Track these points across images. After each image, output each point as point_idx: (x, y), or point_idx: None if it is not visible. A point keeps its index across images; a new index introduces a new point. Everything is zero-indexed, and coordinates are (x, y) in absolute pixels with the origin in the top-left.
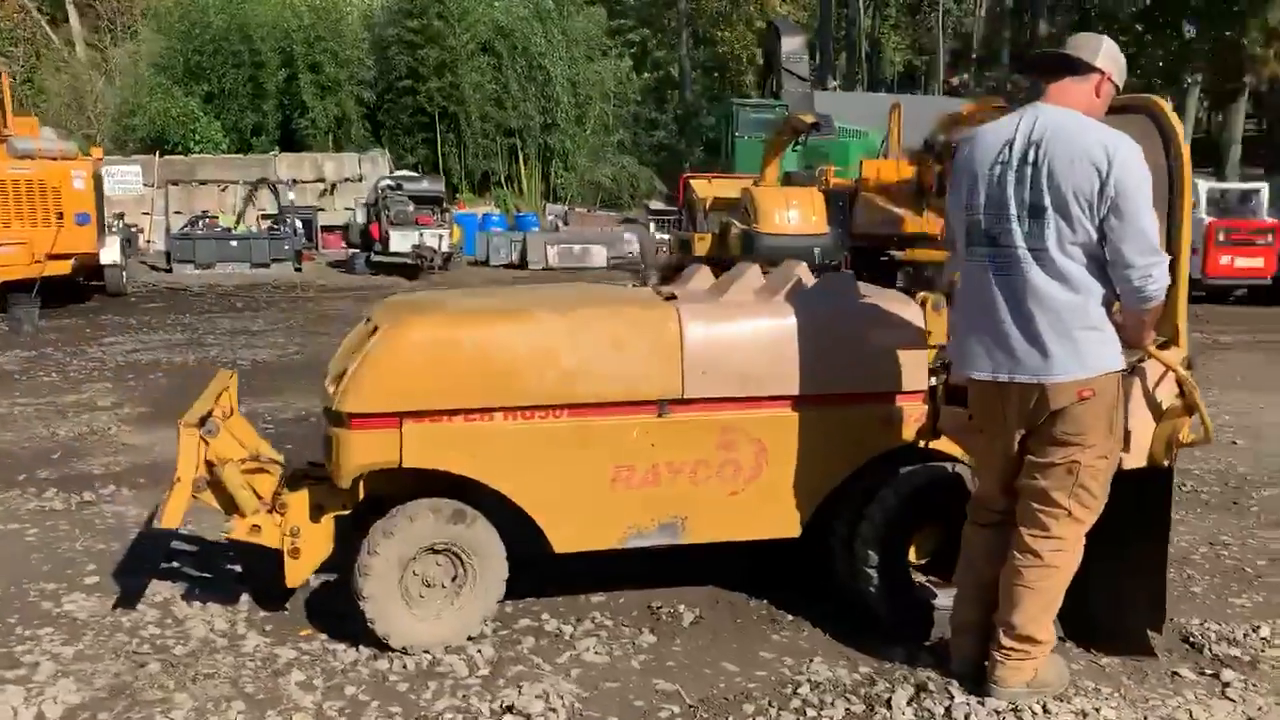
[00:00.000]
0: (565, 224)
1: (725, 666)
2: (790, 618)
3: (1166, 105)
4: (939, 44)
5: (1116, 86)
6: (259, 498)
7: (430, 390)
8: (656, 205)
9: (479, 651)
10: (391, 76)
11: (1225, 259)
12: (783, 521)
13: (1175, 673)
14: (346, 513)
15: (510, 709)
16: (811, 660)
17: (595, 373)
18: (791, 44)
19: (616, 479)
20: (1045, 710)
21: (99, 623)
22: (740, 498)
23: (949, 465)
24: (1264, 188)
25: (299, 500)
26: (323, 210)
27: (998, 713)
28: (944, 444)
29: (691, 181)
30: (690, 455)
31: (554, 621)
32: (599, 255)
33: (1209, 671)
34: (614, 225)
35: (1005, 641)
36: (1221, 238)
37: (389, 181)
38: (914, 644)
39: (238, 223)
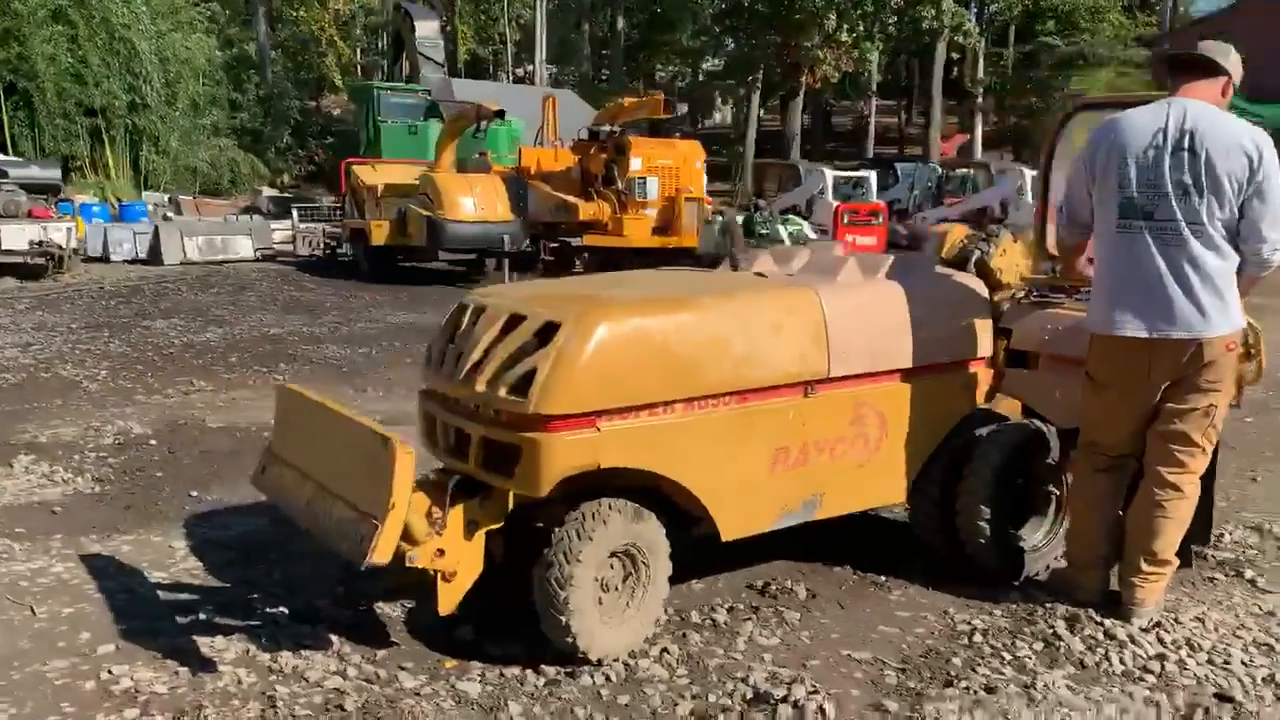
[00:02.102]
0: (179, 213)
1: (882, 629)
2: (886, 579)
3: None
4: (507, 36)
5: (1236, 89)
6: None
7: (626, 385)
8: (270, 192)
9: (664, 652)
10: None
11: (850, 238)
12: (895, 489)
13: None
14: (499, 527)
15: (760, 697)
16: (948, 612)
17: (760, 358)
18: (426, 28)
19: (775, 461)
20: (1176, 620)
21: (212, 700)
22: (865, 469)
23: (1032, 422)
24: (873, 175)
25: (455, 518)
26: None
27: (1144, 630)
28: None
29: (354, 168)
30: (831, 432)
31: (695, 614)
32: (245, 246)
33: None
34: (231, 213)
35: (1146, 567)
36: (846, 219)
37: None
38: (1010, 586)
39: None
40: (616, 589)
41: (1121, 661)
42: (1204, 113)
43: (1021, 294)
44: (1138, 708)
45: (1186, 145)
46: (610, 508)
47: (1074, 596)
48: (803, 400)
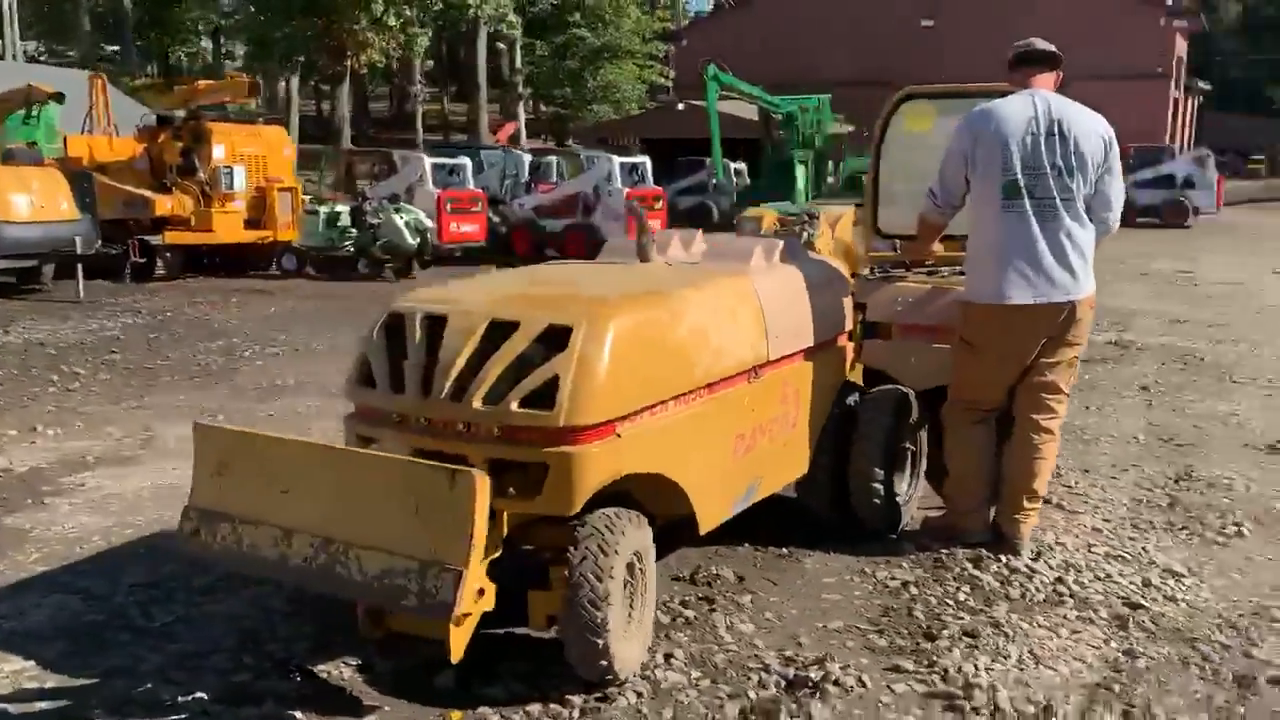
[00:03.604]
0: None
1: (827, 598)
2: (787, 551)
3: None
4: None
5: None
6: None
7: (637, 387)
8: None
9: (668, 658)
10: None
11: (454, 226)
12: (803, 463)
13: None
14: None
15: (795, 681)
16: (866, 571)
17: (725, 347)
18: None
19: (735, 449)
20: (1050, 547)
21: None
22: (788, 447)
23: (897, 387)
24: (467, 161)
25: None
26: None
27: (1033, 559)
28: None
29: None
30: (769, 414)
31: (659, 614)
32: None
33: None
34: None
35: (1027, 504)
36: (449, 207)
37: None
38: (890, 536)
39: None
40: (629, 601)
41: (1038, 589)
42: (1064, 103)
43: (866, 270)
44: (1082, 626)
45: (1057, 131)
46: (621, 517)
47: (964, 539)
48: (750, 385)
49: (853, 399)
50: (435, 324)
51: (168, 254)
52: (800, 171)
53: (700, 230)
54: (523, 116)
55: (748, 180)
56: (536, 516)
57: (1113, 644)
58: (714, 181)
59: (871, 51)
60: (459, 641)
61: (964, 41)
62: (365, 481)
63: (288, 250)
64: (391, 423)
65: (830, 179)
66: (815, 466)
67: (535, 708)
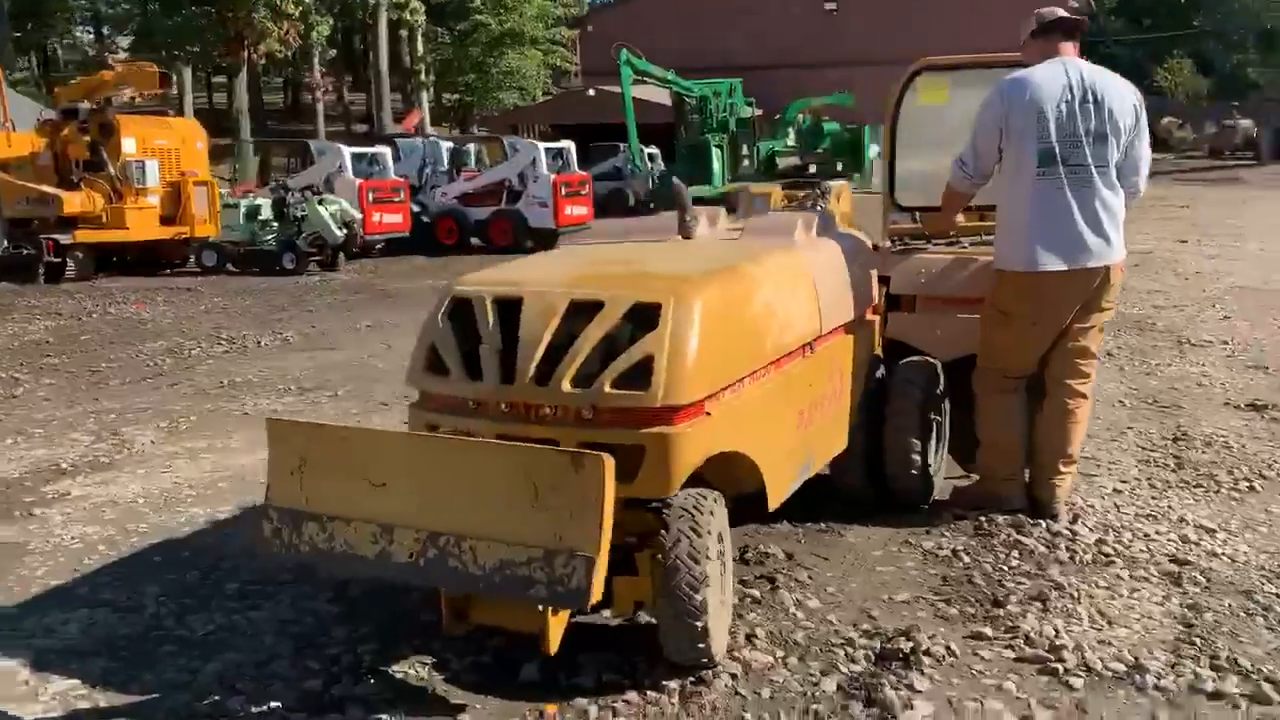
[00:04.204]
0: None
1: (881, 570)
2: (826, 525)
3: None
4: None
5: None
6: None
7: (723, 364)
8: None
9: (750, 638)
10: None
11: (376, 216)
12: (844, 437)
13: None
14: None
15: (885, 654)
16: (910, 542)
17: (789, 322)
18: None
19: (798, 424)
20: (1086, 505)
21: None
22: (834, 422)
23: (926, 359)
24: (387, 150)
25: None
26: None
27: (1071, 522)
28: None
29: None
30: (822, 388)
31: None
32: None
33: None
34: None
35: (1063, 468)
36: (371, 198)
37: None
38: (923, 507)
39: None
40: (720, 582)
41: (1084, 551)
42: (1095, 69)
43: (886, 243)
44: (1138, 584)
45: (1091, 98)
46: (707, 498)
47: (1001, 506)
48: (805, 360)
49: (880, 372)
50: (508, 307)
51: (78, 253)
52: (716, 155)
53: (723, 208)
54: (426, 104)
55: (661, 165)
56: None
57: (1174, 600)
58: (630, 167)
59: (776, 35)
60: (557, 633)
61: (865, 24)
62: (475, 470)
63: (207, 246)
64: (467, 410)
65: (745, 161)
66: (852, 441)
67: (632, 695)
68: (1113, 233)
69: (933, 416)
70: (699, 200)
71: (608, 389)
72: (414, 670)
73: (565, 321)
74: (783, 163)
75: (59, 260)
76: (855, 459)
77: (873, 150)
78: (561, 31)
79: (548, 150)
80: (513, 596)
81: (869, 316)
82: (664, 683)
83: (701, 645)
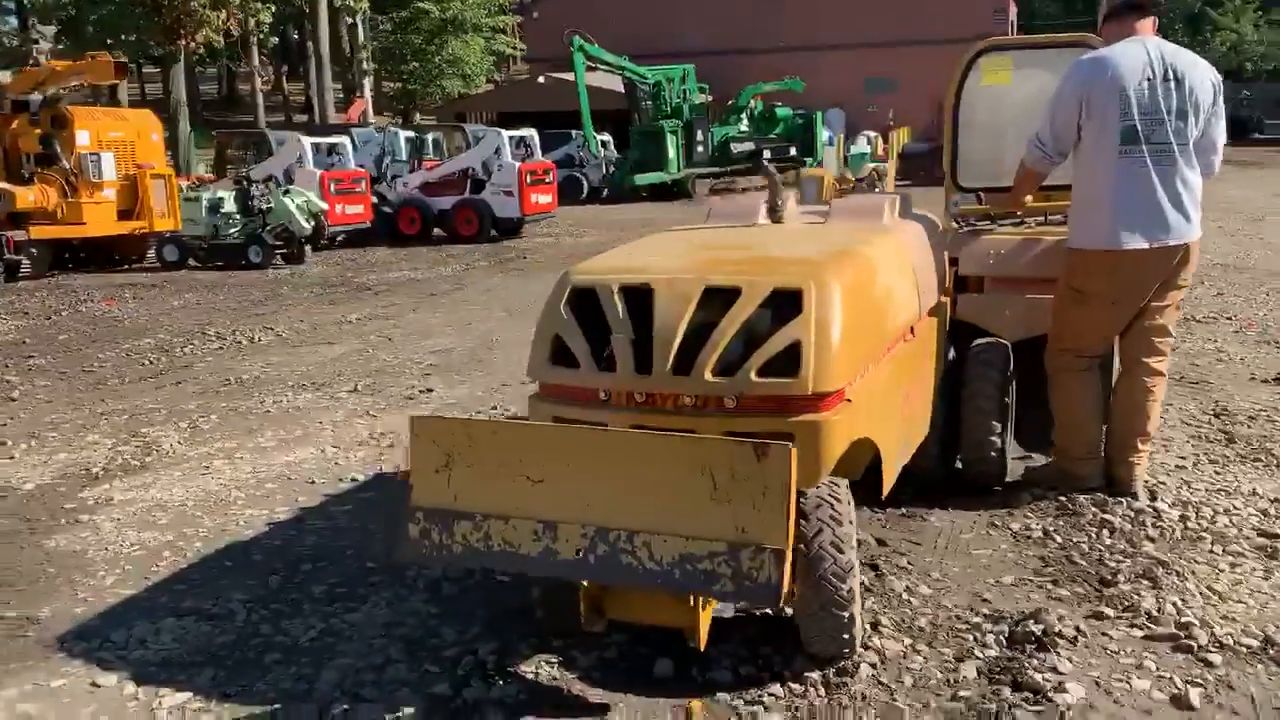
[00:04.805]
0: None
1: (977, 553)
2: (910, 510)
3: (1099, 40)
4: None
5: None
6: None
7: (858, 349)
8: None
9: (875, 626)
10: None
11: (338, 207)
12: (928, 420)
13: None
14: None
15: (1016, 637)
16: (998, 524)
17: (900, 305)
18: None
19: (903, 408)
20: (1158, 483)
21: None
22: (924, 405)
23: (999, 340)
24: (347, 140)
25: None
26: None
27: (1151, 499)
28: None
29: None
30: (918, 371)
31: None
32: None
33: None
34: None
35: (1141, 446)
36: (333, 188)
37: None
38: (995, 489)
39: None
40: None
41: (1170, 528)
42: (1174, 49)
43: (952, 224)
44: (1236, 559)
45: (1172, 77)
46: (840, 486)
47: (1078, 485)
48: (907, 344)
49: (951, 354)
50: (636, 296)
51: (33, 250)
52: (671, 141)
53: (792, 191)
54: (368, 92)
55: (615, 152)
56: None
57: (1276, 574)
58: (585, 154)
59: (725, 21)
60: (706, 627)
61: (813, 10)
62: (646, 463)
63: (168, 240)
64: (597, 401)
65: (700, 148)
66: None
67: (776, 688)
68: (1192, 210)
69: (1006, 399)
70: (656, 187)
71: (754, 377)
72: (543, 669)
73: (699, 309)
74: (737, 149)
75: (16, 258)
76: (930, 441)
77: (824, 135)
78: (504, 19)
79: (511, 138)
80: (694, 592)
81: (943, 298)
82: (806, 674)
83: (847, 635)
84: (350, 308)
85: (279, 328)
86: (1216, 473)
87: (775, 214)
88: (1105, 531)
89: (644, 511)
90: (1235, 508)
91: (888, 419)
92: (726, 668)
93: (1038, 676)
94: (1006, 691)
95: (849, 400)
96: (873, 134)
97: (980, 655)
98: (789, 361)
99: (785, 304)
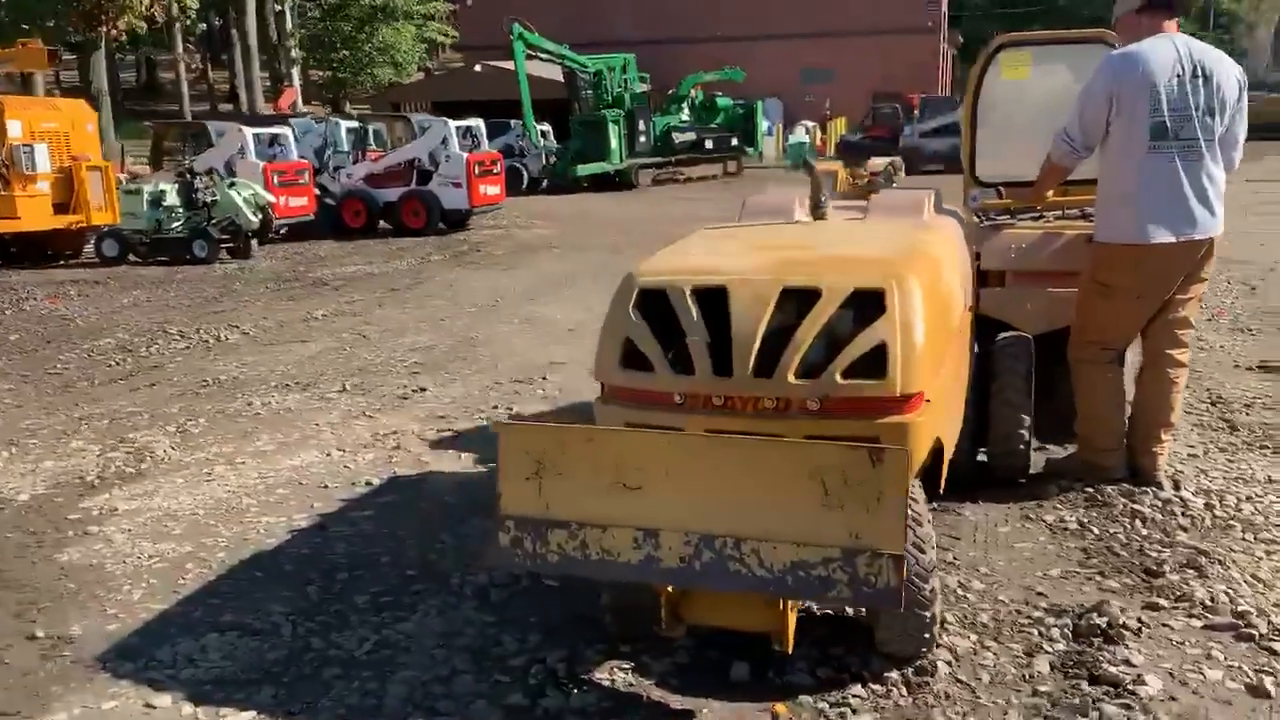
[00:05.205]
0: None
1: (1019, 547)
2: (940, 505)
3: (1116, 38)
4: None
5: None
6: None
7: (937, 349)
8: None
9: (941, 624)
10: None
11: (282, 199)
12: (962, 417)
13: None
14: None
15: (1082, 630)
16: (1032, 518)
17: (957, 301)
18: None
19: (956, 404)
20: (1177, 473)
21: None
22: (960, 400)
23: (1022, 334)
24: (289, 131)
25: None
26: None
27: (1175, 488)
28: None
29: None
30: (961, 366)
31: None
32: None
33: None
34: None
35: (1164, 436)
36: (276, 180)
37: None
38: (1019, 481)
39: None
40: None
41: (1200, 516)
42: (1202, 46)
43: (973, 219)
44: (1272, 547)
45: (1201, 73)
46: (916, 485)
47: (1104, 476)
48: (959, 339)
49: (995, 347)
50: (709, 297)
51: None
52: (614, 131)
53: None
54: (297, 81)
55: (554, 143)
56: None
57: None
58: (526, 144)
59: (662, 9)
60: (792, 630)
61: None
62: (751, 469)
63: (108, 235)
64: (672, 405)
65: (642, 138)
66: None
67: (858, 689)
68: (1217, 205)
69: (1031, 392)
70: (598, 178)
71: (839, 379)
72: (618, 676)
73: (778, 309)
74: (679, 138)
75: None
76: (961, 435)
77: (764, 124)
78: (436, 5)
79: (459, 128)
80: (810, 598)
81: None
82: (885, 674)
83: (927, 635)
84: (312, 304)
85: (244, 325)
86: (1229, 461)
87: (819, 211)
88: (1138, 522)
89: (750, 517)
90: (1256, 495)
91: (952, 417)
92: (803, 670)
93: (1113, 669)
94: (1085, 685)
95: (928, 400)
96: (810, 124)
97: (1050, 650)
98: (875, 363)
99: (866, 305)
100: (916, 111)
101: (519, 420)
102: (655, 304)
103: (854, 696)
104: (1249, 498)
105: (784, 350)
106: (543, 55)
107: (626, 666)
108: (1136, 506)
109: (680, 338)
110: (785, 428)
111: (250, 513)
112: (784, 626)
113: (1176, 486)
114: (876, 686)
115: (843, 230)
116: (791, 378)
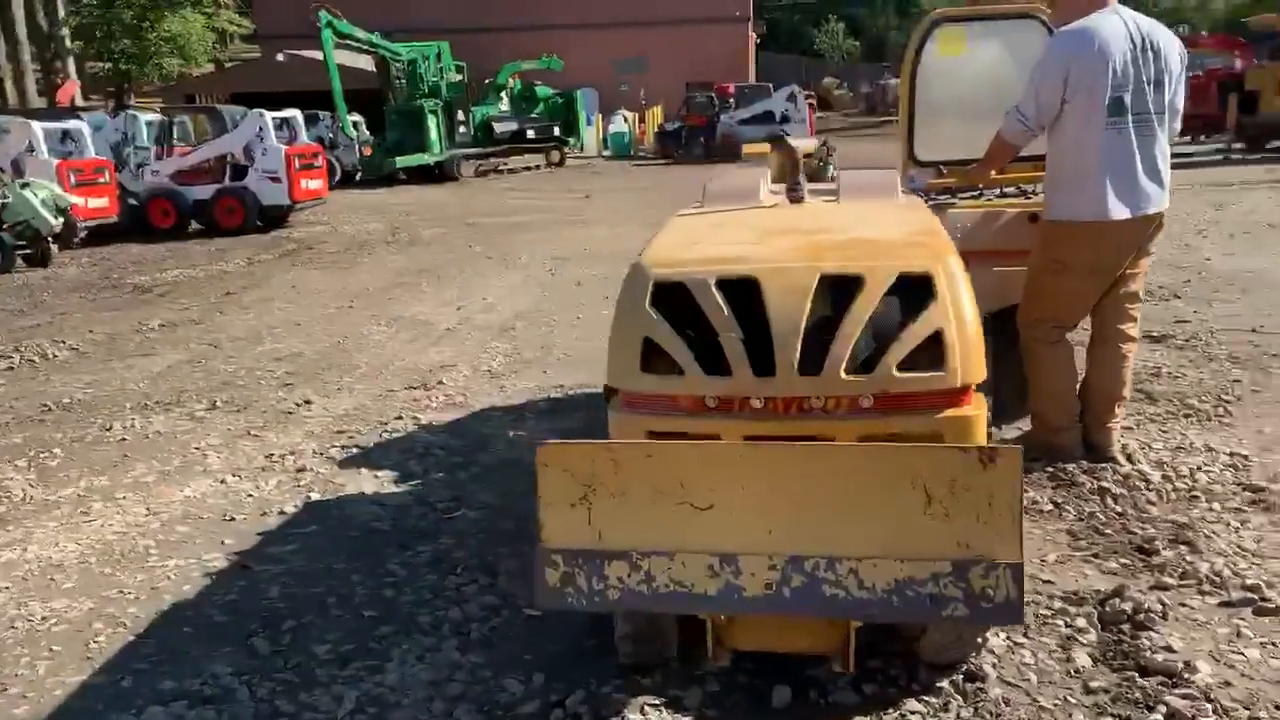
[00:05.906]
0: None
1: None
2: None
3: (1047, 13)
4: None
5: None
6: None
7: (981, 338)
8: None
9: None
10: None
11: (80, 200)
12: None
13: None
14: None
15: (1109, 616)
16: None
17: None
18: None
19: None
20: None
21: None
22: None
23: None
24: (84, 126)
25: None
26: None
27: (1131, 462)
28: None
29: None
30: None
31: None
32: None
33: None
34: None
35: (1119, 411)
36: (73, 180)
37: None
38: None
39: None
40: None
41: (1161, 487)
42: (1147, 20)
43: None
44: (1243, 514)
45: (1150, 47)
46: None
47: (1062, 455)
48: None
49: None
50: (738, 289)
51: None
52: (432, 122)
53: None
54: (74, 72)
55: (368, 134)
56: None
57: None
58: (339, 136)
59: None
60: (854, 649)
61: None
62: (839, 479)
63: None
64: (704, 409)
65: (462, 128)
66: None
67: (912, 703)
68: (1166, 178)
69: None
70: (416, 170)
71: (895, 373)
72: (651, 714)
73: (815, 300)
74: (500, 128)
75: None
76: None
77: (584, 114)
78: None
79: (275, 120)
80: (921, 620)
81: None
82: (936, 685)
83: (978, 639)
84: (141, 314)
85: (69, 340)
86: (1162, 430)
87: (796, 193)
88: (1108, 499)
89: (844, 534)
90: (1205, 465)
91: None
92: (847, 688)
93: (1158, 658)
94: (1138, 678)
95: (979, 390)
96: (629, 114)
97: (1084, 641)
98: (932, 353)
99: (912, 290)
100: (732, 100)
101: (558, 442)
102: (671, 298)
103: (911, 712)
104: (1200, 467)
105: (827, 344)
106: (353, 43)
107: (657, 702)
108: (1102, 483)
109: (702, 335)
110: (837, 428)
111: (152, 556)
112: (847, 645)
113: (1130, 460)
114: (931, 699)
115: (840, 212)
116: (844, 374)
